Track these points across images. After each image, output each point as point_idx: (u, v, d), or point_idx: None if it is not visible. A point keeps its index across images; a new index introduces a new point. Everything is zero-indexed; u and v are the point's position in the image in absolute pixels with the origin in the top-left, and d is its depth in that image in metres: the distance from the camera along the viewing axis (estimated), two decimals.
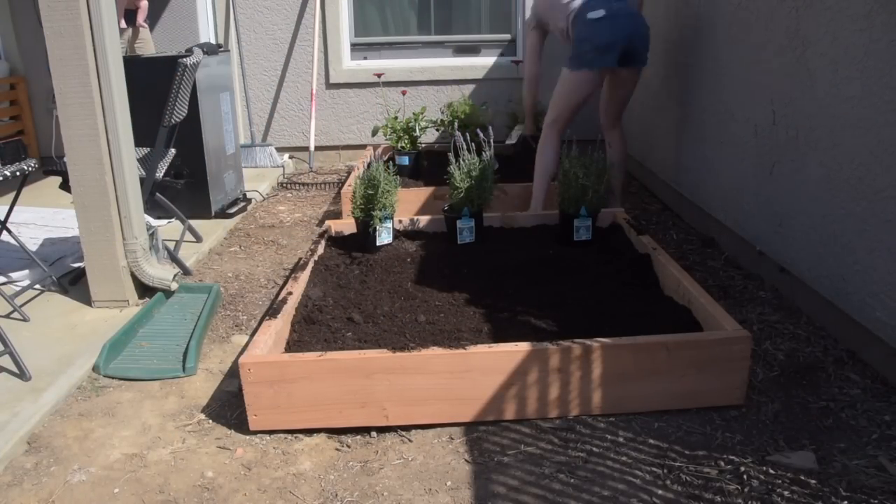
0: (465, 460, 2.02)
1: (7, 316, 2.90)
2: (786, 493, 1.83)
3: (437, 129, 5.48)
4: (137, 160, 3.18)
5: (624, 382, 2.18)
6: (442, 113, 5.14)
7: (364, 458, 2.04)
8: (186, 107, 3.69)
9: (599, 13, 3.54)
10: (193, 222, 3.89)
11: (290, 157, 5.89)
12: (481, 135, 3.44)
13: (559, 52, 4.28)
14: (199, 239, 3.87)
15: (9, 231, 3.01)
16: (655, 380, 2.18)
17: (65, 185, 3.09)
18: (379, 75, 5.48)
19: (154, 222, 3.34)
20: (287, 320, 2.53)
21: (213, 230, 4.07)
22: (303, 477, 1.97)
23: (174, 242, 3.60)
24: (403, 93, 5.46)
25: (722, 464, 1.96)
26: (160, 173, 3.58)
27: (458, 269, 3.01)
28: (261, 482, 1.95)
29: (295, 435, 2.16)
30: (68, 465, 2.04)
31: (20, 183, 2.98)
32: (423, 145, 5.00)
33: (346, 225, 3.52)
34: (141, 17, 5.39)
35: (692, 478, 1.91)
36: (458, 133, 3.46)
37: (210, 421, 2.25)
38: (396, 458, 2.04)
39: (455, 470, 1.98)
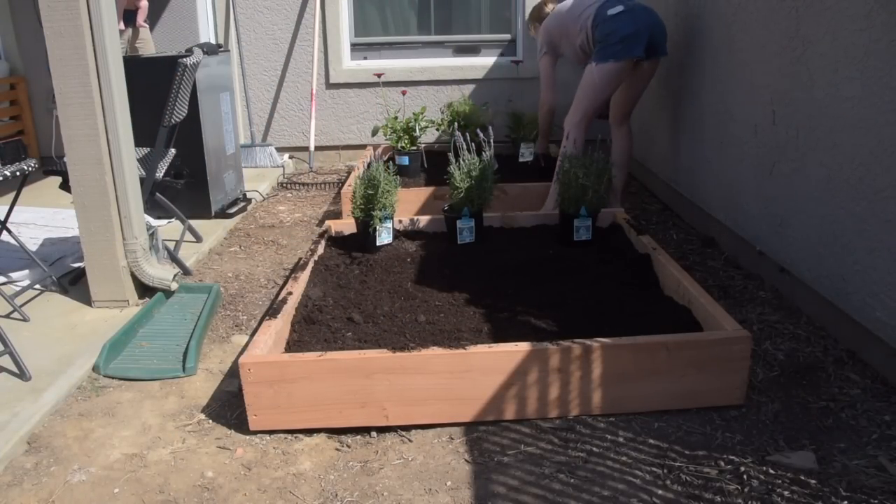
0: (465, 460, 2.02)
1: (7, 316, 2.90)
2: (786, 493, 1.83)
3: (437, 129, 5.48)
4: (137, 160, 3.18)
5: (624, 382, 2.17)
6: (442, 113, 5.14)
7: (364, 458, 2.04)
8: (186, 107, 3.69)
9: (619, 8, 3.66)
10: (193, 222, 3.89)
11: (290, 157, 5.89)
12: (481, 135, 3.45)
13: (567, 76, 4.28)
14: (199, 239, 3.87)
15: (9, 231, 3.02)
16: (655, 380, 2.18)
17: (65, 185, 3.09)
18: (379, 75, 5.48)
19: (154, 222, 3.34)
20: (287, 320, 2.53)
21: (213, 230, 4.07)
22: (303, 477, 1.97)
23: (174, 242, 3.60)
24: (403, 93, 5.46)
25: (722, 464, 1.96)
26: (160, 173, 3.58)
27: (458, 269, 3.01)
28: (261, 482, 1.95)
29: (295, 435, 2.16)
30: (68, 465, 2.04)
31: (20, 183, 2.98)
32: (423, 145, 5.00)
33: (346, 225, 3.52)
34: (141, 17, 5.39)
35: (692, 478, 1.91)
36: (458, 133, 3.46)
37: (210, 421, 2.25)
38: (396, 458, 2.04)
39: (455, 470, 1.98)
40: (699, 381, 2.19)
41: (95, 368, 2.55)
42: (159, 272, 3.07)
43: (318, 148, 5.90)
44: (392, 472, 1.98)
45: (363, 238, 3.25)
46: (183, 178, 4.01)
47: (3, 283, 3.20)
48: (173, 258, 3.41)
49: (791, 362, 2.49)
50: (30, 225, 4.12)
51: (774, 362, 2.49)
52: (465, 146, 3.34)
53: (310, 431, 2.17)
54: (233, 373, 2.54)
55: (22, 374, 2.42)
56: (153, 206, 3.61)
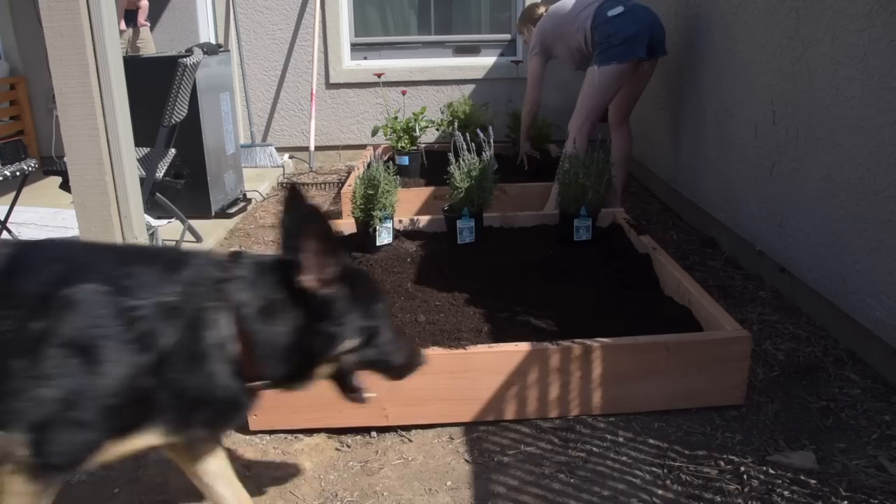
0: (465, 460, 2.02)
1: None
2: (786, 493, 1.83)
3: (437, 129, 5.48)
4: (137, 160, 3.18)
5: (624, 382, 2.17)
6: (442, 113, 5.14)
7: (364, 458, 2.04)
8: (186, 107, 3.69)
9: (619, 9, 3.64)
10: (193, 222, 3.88)
11: (290, 157, 5.89)
12: (481, 135, 3.44)
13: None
14: (199, 239, 3.87)
15: (9, 231, 3.02)
16: (655, 380, 2.18)
17: (65, 185, 3.09)
18: (379, 75, 5.48)
19: (154, 222, 3.34)
20: None
21: (213, 230, 4.07)
22: (303, 477, 1.97)
23: (174, 242, 3.60)
24: (403, 93, 5.45)
25: (722, 464, 1.96)
26: (160, 173, 3.58)
27: (458, 269, 3.01)
28: (261, 482, 1.95)
29: (295, 435, 2.16)
30: None
31: (20, 183, 2.98)
32: (423, 145, 5.00)
33: (346, 225, 3.51)
34: (142, 16, 5.40)
35: (692, 478, 1.91)
36: (458, 133, 3.46)
37: None
38: (396, 458, 2.04)
39: (455, 470, 1.98)
40: (699, 381, 2.19)
41: None
42: None
43: (318, 148, 5.90)
44: (392, 472, 1.98)
45: (363, 238, 3.25)
46: (183, 178, 4.01)
47: None
48: None
49: (791, 362, 2.49)
50: (30, 225, 4.12)
51: (774, 362, 2.49)
52: (465, 146, 3.34)
53: (310, 431, 2.17)
54: None
55: None
56: (153, 206, 3.61)
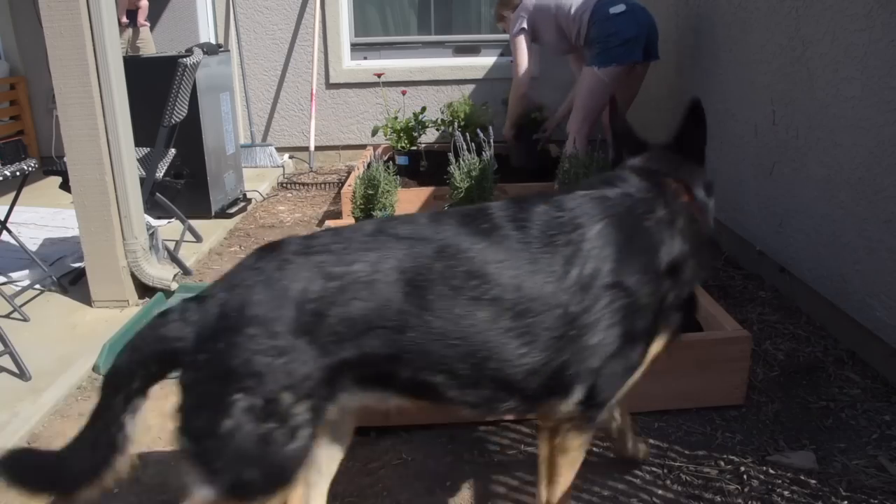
0: (465, 460, 2.02)
1: (7, 316, 2.89)
2: (786, 493, 1.83)
3: (437, 129, 5.48)
4: (137, 160, 3.18)
5: None
6: (442, 113, 5.14)
7: (364, 458, 2.04)
8: (186, 107, 3.69)
9: (621, 7, 3.59)
10: (193, 222, 3.89)
11: (290, 157, 5.89)
12: (481, 135, 3.44)
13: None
14: (199, 239, 3.87)
15: (9, 231, 3.01)
16: (655, 380, 2.17)
17: (65, 185, 3.09)
18: (379, 75, 5.47)
19: (154, 222, 3.34)
20: None
21: (213, 230, 4.07)
22: None
23: (174, 242, 3.60)
24: (403, 93, 5.45)
25: (722, 464, 1.96)
26: (160, 173, 3.58)
27: None
28: None
29: None
30: None
31: (20, 183, 2.98)
32: (423, 145, 5.00)
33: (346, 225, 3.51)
34: (142, 16, 5.40)
35: (692, 478, 1.91)
36: (458, 133, 3.46)
37: None
38: (396, 458, 2.04)
39: (455, 470, 1.98)
40: (699, 381, 2.18)
41: (95, 368, 2.55)
42: (159, 272, 3.07)
43: (318, 148, 5.90)
44: (392, 472, 1.98)
45: None
46: (183, 178, 4.01)
47: (3, 283, 3.20)
48: (173, 258, 3.41)
49: (791, 362, 2.49)
50: (30, 225, 4.12)
51: (774, 362, 2.49)
52: (465, 146, 3.34)
53: None
54: None
55: (22, 374, 2.42)
56: (153, 206, 3.61)
